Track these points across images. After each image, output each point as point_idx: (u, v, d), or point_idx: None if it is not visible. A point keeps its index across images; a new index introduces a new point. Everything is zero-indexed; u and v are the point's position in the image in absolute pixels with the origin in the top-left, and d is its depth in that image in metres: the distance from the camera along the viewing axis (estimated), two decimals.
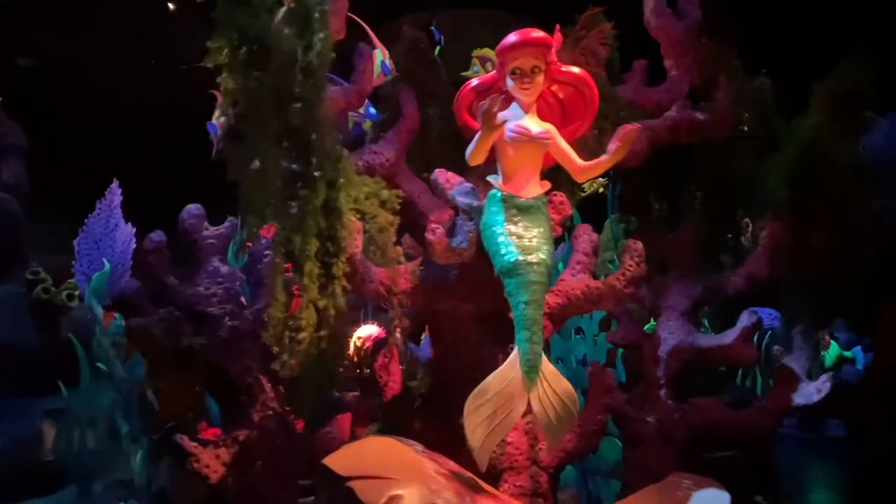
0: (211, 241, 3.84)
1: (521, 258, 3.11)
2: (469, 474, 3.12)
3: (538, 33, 3.19)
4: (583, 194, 5.10)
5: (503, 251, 3.15)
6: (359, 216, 3.56)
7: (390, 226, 3.68)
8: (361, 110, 4.56)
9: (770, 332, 4.69)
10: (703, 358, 3.83)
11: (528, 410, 3.13)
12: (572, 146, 3.33)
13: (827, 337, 4.50)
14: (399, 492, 2.69)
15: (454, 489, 2.89)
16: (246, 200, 3.09)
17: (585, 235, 3.89)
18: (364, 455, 2.97)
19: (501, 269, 3.16)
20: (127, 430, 3.80)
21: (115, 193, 5.74)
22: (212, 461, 3.19)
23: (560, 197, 3.61)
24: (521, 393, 3.06)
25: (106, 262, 4.84)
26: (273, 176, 3.18)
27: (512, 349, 3.55)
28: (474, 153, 3.15)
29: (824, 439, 4.51)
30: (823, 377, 3.56)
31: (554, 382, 3.11)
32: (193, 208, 3.86)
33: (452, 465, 3.13)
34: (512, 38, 3.20)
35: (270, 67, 3.11)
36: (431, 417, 3.76)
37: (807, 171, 3.68)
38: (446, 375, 3.82)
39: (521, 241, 3.15)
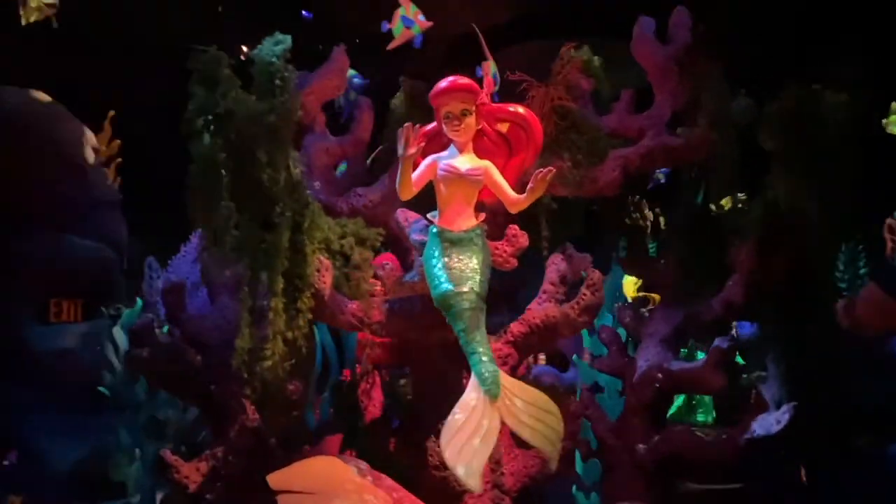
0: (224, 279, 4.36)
1: (451, 289, 3.29)
2: (408, 495, 3.33)
3: (463, 80, 3.40)
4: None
5: (436, 282, 3.36)
6: (328, 255, 3.94)
7: (364, 262, 4.02)
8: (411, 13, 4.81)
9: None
10: (676, 385, 3.75)
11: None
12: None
13: None
14: None
15: None
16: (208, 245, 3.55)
17: (553, 265, 3.98)
18: (303, 473, 3.26)
19: (436, 299, 3.36)
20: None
21: (197, 236, 6.53)
22: (191, 473, 3.65)
23: (514, 230, 3.75)
24: (490, 411, 3.12)
25: (139, 299, 5.60)
26: (242, 222, 3.66)
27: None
28: (399, 185, 3.39)
29: None
30: (784, 408, 3.36)
31: (521, 394, 3.18)
32: None
33: (389, 483, 3.35)
34: (440, 84, 3.44)
35: (235, 130, 3.60)
36: (405, 440, 3.99)
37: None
38: (419, 401, 4.05)
39: (452, 272, 3.32)
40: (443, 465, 3.59)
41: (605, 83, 4.50)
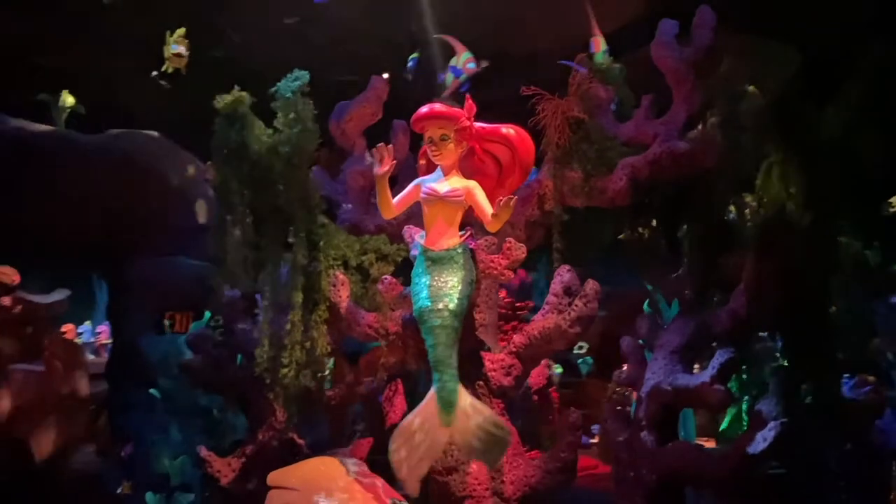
0: None
1: (428, 305, 3.47)
2: (394, 494, 3.52)
3: (439, 107, 3.56)
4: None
5: (416, 298, 3.55)
6: (346, 271, 4.24)
7: (382, 276, 4.27)
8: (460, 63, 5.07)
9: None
10: (680, 400, 3.61)
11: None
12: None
13: None
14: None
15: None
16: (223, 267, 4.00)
17: (559, 276, 3.98)
18: (299, 471, 3.57)
19: (415, 314, 3.55)
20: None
21: None
22: (223, 468, 4.10)
23: (510, 243, 3.82)
24: (441, 427, 3.35)
25: (207, 312, 6.18)
26: (262, 243, 4.08)
27: (477, 385, 3.90)
28: (379, 205, 3.60)
29: None
30: (770, 424, 3.12)
31: (475, 414, 3.35)
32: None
33: (380, 483, 3.56)
34: (419, 111, 3.63)
35: (251, 161, 4.02)
36: None
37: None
38: None
39: (431, 289, 3.50)
40: (444, 471, 3.76)
41: (626, 90, 4.48)
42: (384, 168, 3.45)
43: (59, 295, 5.69)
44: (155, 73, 5.97)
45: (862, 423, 4.93)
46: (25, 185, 6.17)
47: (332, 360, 4.58)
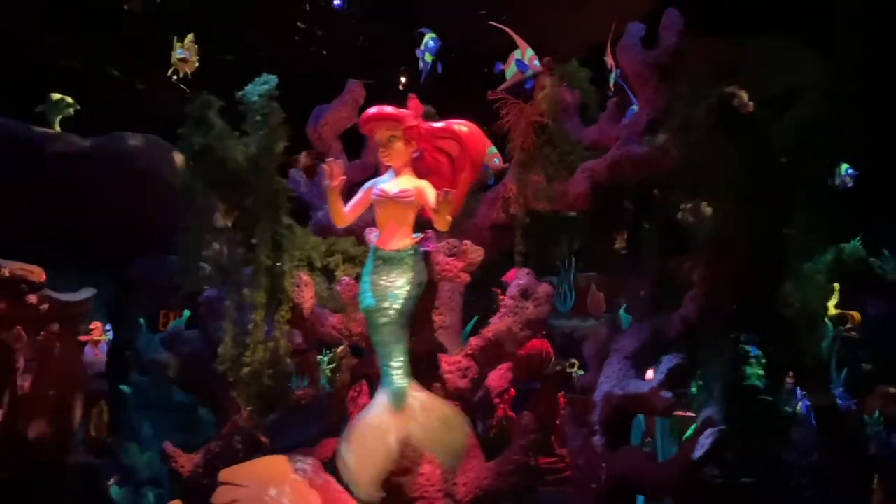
0: None
1: (374, 304, 3.52)
2: (342, 496, 3.56)
3: (384, 109, 3.63)
4: None
5: (362, 297, 3.61)
6: (311, 272, 4.29)
7: (348, 277, 4.32)
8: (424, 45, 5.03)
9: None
10: (629, 406, 3.59)
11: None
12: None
13: None
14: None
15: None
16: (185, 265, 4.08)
17: (517, 280, 4.00)
18: (251, 469, 3.64)
19: (361, 311, 3.60)
20: None
21: None
22: (186, 463, 4.19)
23: (466, 245, 3.83)
24: (394, 424, 3.39)
25: (187, 311, 6.28)
26: (229, 243, 4.16)
27: (433, 388, 3.92)
28: (332, 216, 3.67)
29: None
30: (707, 431, 3.08)
31: (429, 410, 3.40)
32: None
33: (334, 486, 3.59)
34: (365, 113, 3.71)
35: (219, 163, 4.10)
36: None
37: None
38: None
39: (377, 288, 3.55)
40: (397, 472, 3.79)
41: (592, 95, 4.47)
42: (334, 182, 3.54)
43: (87, 293, 5.88)
44: (175, 77, 6.13)
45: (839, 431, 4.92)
46: (24, 185, 6.40)
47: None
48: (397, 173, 3.69)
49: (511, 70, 4.69)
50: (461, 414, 3.39)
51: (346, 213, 3.70)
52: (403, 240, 3.64)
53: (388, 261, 3.60)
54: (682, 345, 3.54)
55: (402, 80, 8.25)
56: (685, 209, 3.57)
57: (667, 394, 3.38)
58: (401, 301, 3.50)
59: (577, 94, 4.36)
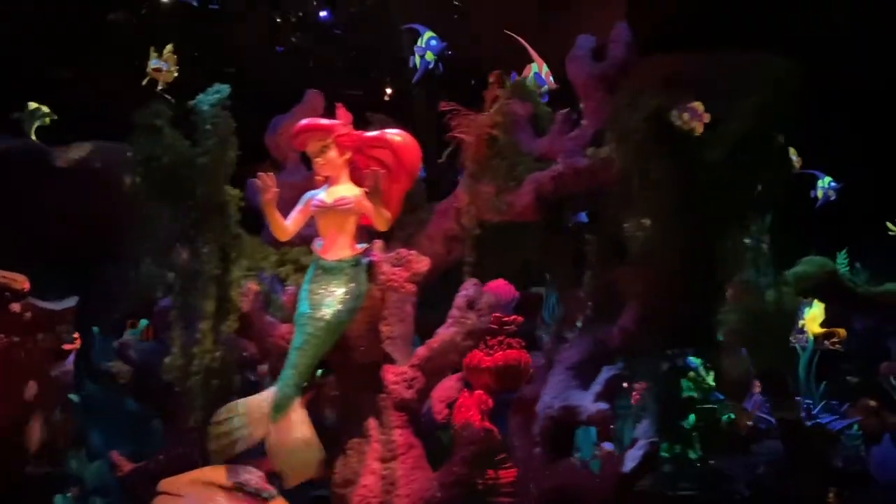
0: None
1: (307, 312, 3.54)
2: None
3: (309, 122, 3.72)
4: None
5: (299, 305, 3.62)
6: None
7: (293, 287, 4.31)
8: (423, 42, 5.05)
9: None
10: (568, 418, 3.59)
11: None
12: None
13: None
14: None
15: None
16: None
17: (464, 290, 3.99)
18: (191, 480, 3.61)
19: (294, 318, 3.61)
20: None
21: None
22: (133, 472, 4.18)
23: (411, 255, 3.84)
24: (263, 423, 3.46)
25: (144, 321, 6.26)
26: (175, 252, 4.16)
27: (379, 398, 3.91)
28: (272, 229, 3.69)
29: None
30: (639, 444, 3.08)
31: (295, 428, 3.47)
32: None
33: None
34: (293, 129, 3.74)
35: (168, 172, 4.11)
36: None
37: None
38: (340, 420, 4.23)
39: (314, 296, 3.57)
40: (341, 482, 3.79)
41: (542, 107, 4.50)
42: (267, 196, 3.55)
43: (71, 302, 5.87)
44: (161, 88, 6.14)
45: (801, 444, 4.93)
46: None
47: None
48: (335, 183, 3.71)
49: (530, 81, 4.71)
50: (320, 445, 3.50)
51: (286, 225, 3.71)
52: (344, 249, 3.64)
53: (329, 270, 3.61)
54: (622, 356, 3.55)
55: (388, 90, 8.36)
56: (632, 222, 3.57)
57: (603, 405, 3.37)
58: (334, 311, 3.52)
59: (529, 107, 4.39)
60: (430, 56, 4.99)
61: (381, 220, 3.52)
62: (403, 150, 3.69)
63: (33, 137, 7.55)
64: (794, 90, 4.15)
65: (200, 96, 4.26)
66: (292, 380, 3.44)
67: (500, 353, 4.38)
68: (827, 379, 6.07)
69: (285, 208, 4.99)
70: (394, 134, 3.73)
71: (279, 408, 3.40)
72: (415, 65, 5.11)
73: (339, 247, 3.64)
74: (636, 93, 3.71)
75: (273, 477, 3.77)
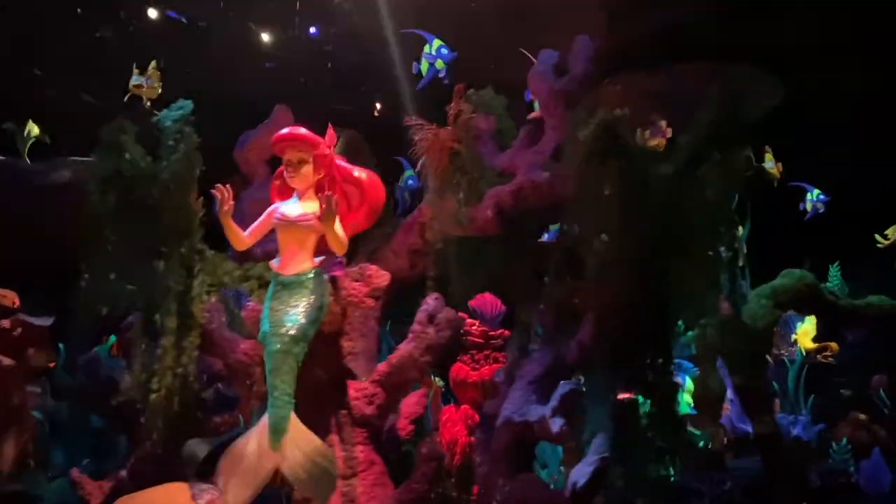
0: None
1: (268, 330, 3.50)
2: None
3: (300, 131, 3.66)
4: None
5: (262, 324, 3.58)
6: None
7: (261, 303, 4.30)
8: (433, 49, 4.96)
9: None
10: (527, 432, 3.57)
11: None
12: None
13: None
14: None
15: None
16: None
17: (425, 305, 3.99)
18: (149, 497, 3.57)
19: (259, 339, 3.58)
20: None
21: None
22: (94, 491, 4.12)
23: (371, 270, 3.84)
24: (269, 454, 3.40)
25: (113, 337, 6.23)
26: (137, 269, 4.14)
27: (340, 414, 3.89)
28: (230, 240, 3.67)
29: None
30: (590, 459, 3.06)
31: (303, 444, 3.42)
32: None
33: None
34: (280, 132, 3.69)
35: (128, 187, 4.10)
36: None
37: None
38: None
39: (275, 313, 3.54)
40: (302, 500, 3.74)
41: (507, 122, 4.52)
42: (224, 207, 3.54)
43: (48, 320, 5.83)
44: (147, 103, 6.15)
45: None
46: None
47: None
48: (300, 197, 3.70)
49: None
50: (330, 449, 3.44)
51: (243, 236, 3.70)
52: (303, 264, 3.62)
53: (288, 286, 3.59)
54: (579, 370, 3.54)
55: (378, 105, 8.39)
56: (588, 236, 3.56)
57: (559, 420, 3.36)
58: (297, 326, 3.49)
59: (492, 121, 4.40)
60: (440, 64, 4.97)
61: (337, 243, 3.51)
62: (370, 190, 3.73)
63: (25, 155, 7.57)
64: (763, 100, 4.17)
65: (164, 112, 4.28)
66: (279, 401, 3.39)
67: (487, 367, 4.44)
68: (816, 392, 6.08)
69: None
70: (361, 172, 3.76)
71: (277, 433, 3.34)
72: (419, 71, 5.08)
73: (297, 262, 3.62)
74: (591, 109, 3.72)
75: None
